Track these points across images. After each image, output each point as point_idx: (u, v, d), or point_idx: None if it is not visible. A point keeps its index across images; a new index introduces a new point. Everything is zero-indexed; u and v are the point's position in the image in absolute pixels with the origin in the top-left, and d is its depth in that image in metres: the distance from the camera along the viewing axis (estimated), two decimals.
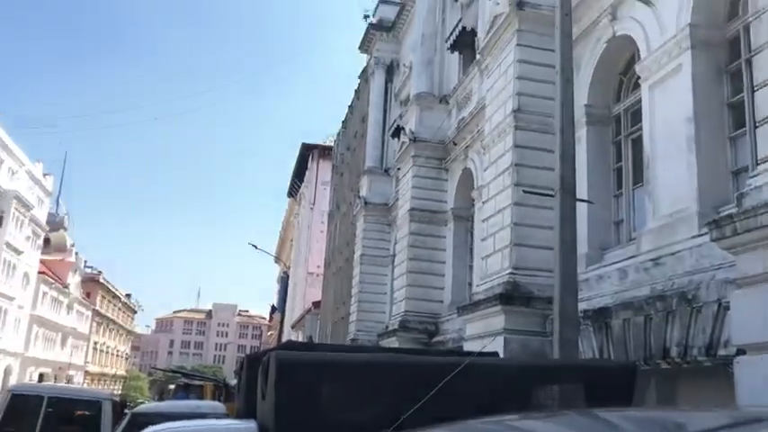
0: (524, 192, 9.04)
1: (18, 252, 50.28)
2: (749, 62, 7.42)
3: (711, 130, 8.29)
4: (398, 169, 20.16)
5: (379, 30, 25.56)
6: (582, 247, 10.38)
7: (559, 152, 6.70)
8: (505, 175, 11.54)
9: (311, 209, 47.26)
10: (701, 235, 7.15)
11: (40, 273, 56.51)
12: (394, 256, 20.39)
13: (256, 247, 40.52)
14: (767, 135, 5.91)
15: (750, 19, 6.30)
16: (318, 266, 42.66)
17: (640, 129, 9.64)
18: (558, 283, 6.42)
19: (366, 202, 23.57)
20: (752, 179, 5.97)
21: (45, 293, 58.80)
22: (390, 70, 25.56)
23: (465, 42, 17.19)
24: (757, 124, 6.07)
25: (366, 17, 25.98)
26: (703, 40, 8.47)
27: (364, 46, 26.73)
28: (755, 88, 6.14)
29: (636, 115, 10.08)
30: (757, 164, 6.03)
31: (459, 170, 17.10)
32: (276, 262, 66.21)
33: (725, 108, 8.37)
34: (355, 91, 32.47)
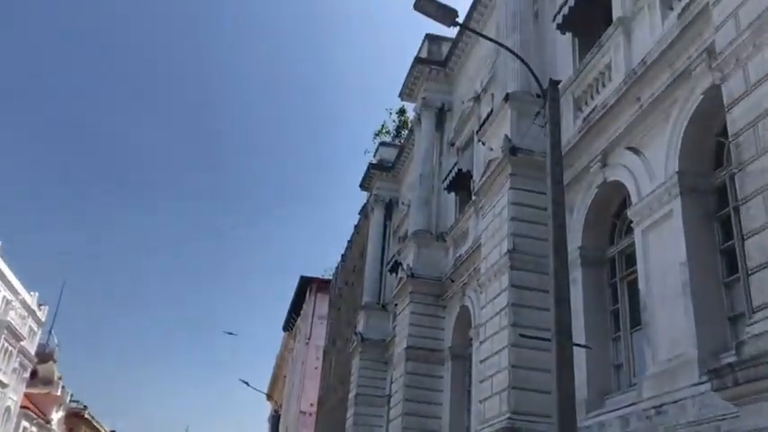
0: (521, 336, 8.91)
1: (3, 386, 48.75)
2: (737, 210, 7.61)
3: (705, 275, 8.34)
4: (396, 305, 20.04)
5: (379, 169, 26.45)
6: (582, 392, 10.14)
7: (554, 296, 6.70)
8: (502, 315, 11.45)
9: (306, 343, 46.37)
10: (702, 383, 6.97)
11: (22, 407, 54.42)
12: (390, 396, 19.76)
13: (248, 384, 39.34)
14: (761, 282, 5.93)
15: (734, 170, 6.53)
16: (312, 405, 41.17)
17: (635, 272, 9.69)
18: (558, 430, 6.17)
19: (363, 338, 23.20)
20: (750, 327, 5.91)
21: (26, 429, 56.30)
22: (389, 207, 26.14)
23: (461, 183, 17.72)
24: (750, 272, 6.11)
25: (366, 153, 27.09)
26: (692, 188, 8.73)
27: (365, 184, 27.53)
28: (745, 237, 6.24)
29: (630, 258, 10.17)
30: (753, 311, 5.99)
31: (456, 308, 17.00)
32: (267, 399, 64.07)
33: (717, 253, 8.46)
34: (355, 226, 33.02)
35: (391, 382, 19.67)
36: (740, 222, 6.48)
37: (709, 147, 8.80)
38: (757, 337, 5.67)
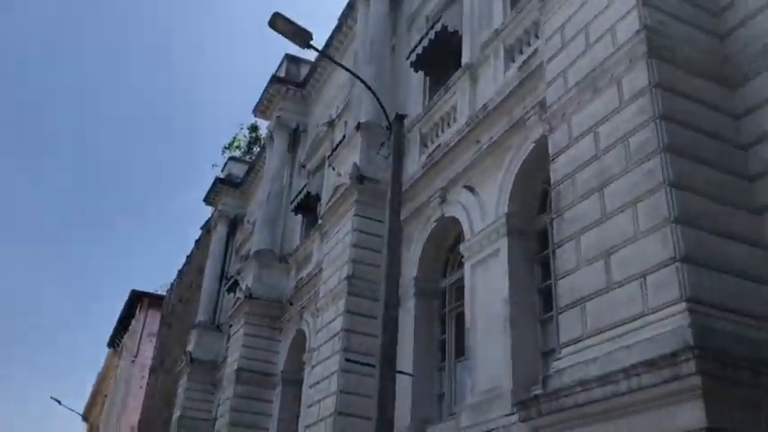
0: (347, 360, 8.96)
1: None
2: (555, 252, 8.21)
3: (524, 312, 8.88)
4: (230, 326, 19.44)
5: (226, 185, 25.75)
6: (405, 420, 10.35)
7: (382, 323, 6.80)
8: (335, 340, 11.48)
9: (132, 361, 43.66)
10: (513, 414, 7.36)
11: None
12: (216, 419, 19.02)
13: (60, 403, 36.18)
14: (569, 321, 6.40)
15: (554, 215, 7.05)
16: (133, 428, 38.67)
17: (463, 304, 10.13)
18: None
19: (192, 358, 22.21)
20: (556, 362, 6.34)
21: None
22: (234, 224, 25.49)
23: (309, 206, 17.69)
24: (560, 311, 6.59)
25: (213, 167, 26.23)
26: (518, 229, 9.33)
27: (210, 198, 26.65)
28: (558, 277, 6.74)
29: (460, 291, 10.61)
30: (561, 347, 6.45)
31: (292, 331, 16.81)
32: (84, 420, 59.29)
33: (536, 292, 9.07)
34: (196, 241, 31.79)
35: (218, 405, 18.97)
36: (555, 264, 6.97)
37: (536, 192, 9.45)
38: (561, 371, 6.09)
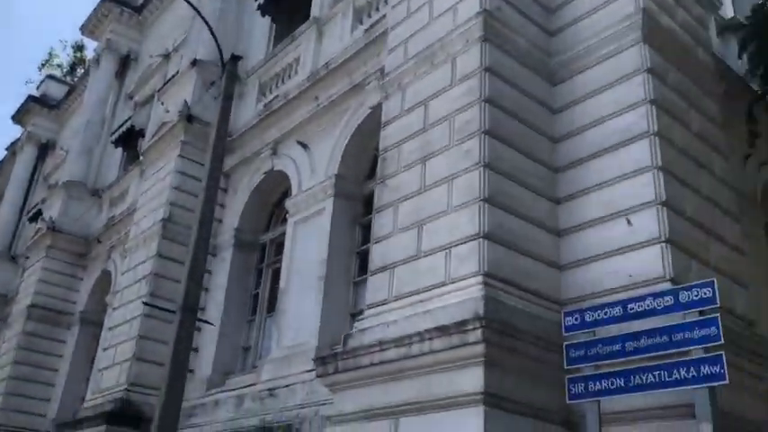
0: (144, 303, 8.57)
1: None
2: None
3: (340, 273, 9.02)
4: (27, 258, 17.80)
5: (40, 104, 23.33)
6: (206, 370, 10.17)
7: (188, 269, 6.55)
8: (143, 283, 10.94)
9: None
10: (312, 370, 7.47)
11: None
12: None
13: None
14: (377, 284, 6.57)
15: (378, 182, 7.17)
16: None
17: (282, 260, 10.07)
18: (161, 404, 6.01)
19: None
20: (358, 322, 6.50)
21: None
22: (44, 149, 23.22)
23: (131, 140, 16.57)
24: (371, 273, 6.75)
25: (28, 83, 23.62)
26: (345, 192, 9.40)
27: (19, 117, 24.02)
28: (373, 242, 6.89)
29: (280, 247, 10.53)
30: (366, 309, 6.62)
31: (98, 271, 15.75)
32: None
33: (354, 255, 9.23)
34: None
35: (3, 343, 17.37)
36: (372, 229, 7.10)
37: (368, 157, 9.56)
38: (363, 331, 6.25)
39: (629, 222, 5.92)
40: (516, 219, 6.13)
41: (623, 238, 5.91)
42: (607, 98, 6.53)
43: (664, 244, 5.65)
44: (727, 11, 10.17)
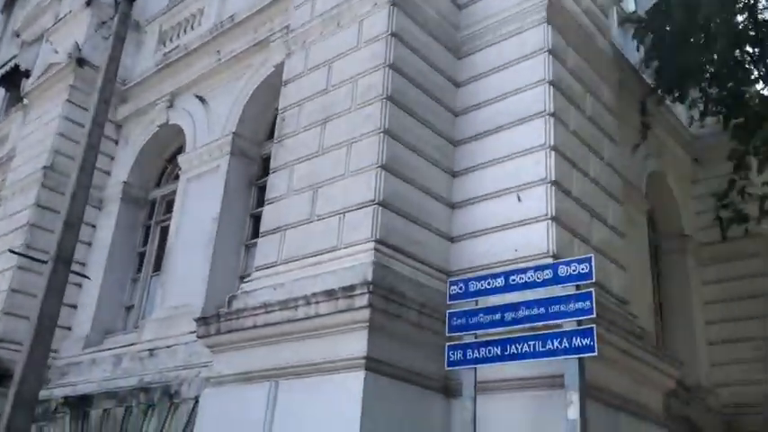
0: (11, 251, 8.01)
1: None
2: None
3: (231, 234, 8.74)
4: None
5: None
6: (85, 328, 9.66)
7: (65, 218, 6.12)
8: (17, 233, 10.20)
9: None
10: (195, 332, 7.22)
11: None
12: None
13: None
14: (267, 246, 6.42)
15: (275, 141, 6.96)
16: None
17: (171, 218, 9.66)
18: (25, 360, 5.61)
19: None
20: (245, 284, 6.33)
21: None
22: None
23: (15, 80, 15.32)
24: (261, 234, 6.57)
25: None
26: (242, 151, 9.09)
27: None
28: (267, 202, 6.70)
29: (170, 204, 10.09)
30: (255, 270, 6.45)
31: None
32: None
33: (248, 216, 8.97)
34: None
35: None
36: (266, 190, 6.90)
37: (268, 117, 9.27)
38: (248, 293, 6.09)
39: (519, 199, 6.05)
40: (412, 188, 6.13)
41: (512, 214, 6.04)
42: (508, 75, 6.61)
43: (549, 221, 5.81)
44: (630, 5, 10.58)
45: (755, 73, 9.24)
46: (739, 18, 9.02)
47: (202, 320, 6.19)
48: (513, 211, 6.04)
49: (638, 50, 9.24)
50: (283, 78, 7.19)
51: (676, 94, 9.08)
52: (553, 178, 5.95)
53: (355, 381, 5.00)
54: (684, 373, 9.92)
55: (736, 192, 9.10)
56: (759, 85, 9.60)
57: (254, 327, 5.74)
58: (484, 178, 6.38)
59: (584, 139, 6.68)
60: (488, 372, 5.10)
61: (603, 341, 5.36)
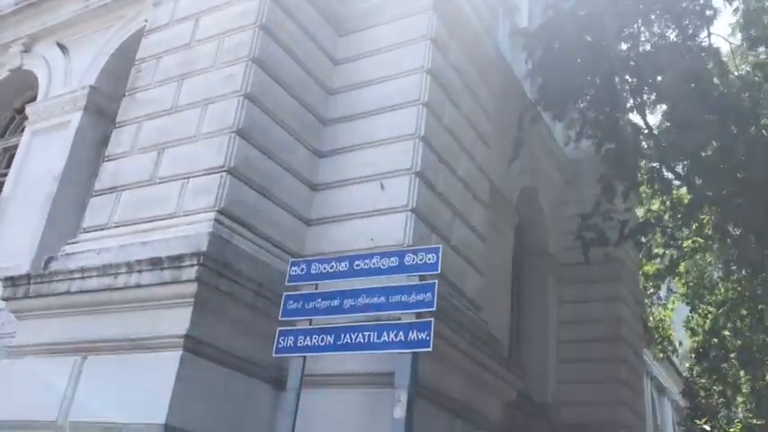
0: None
1: None
2: None
3: (75, 194, 7.87)
4: None
5: None
6: None
7: None
8: None
9: None
10: None
11: None
12: None
13: None
14: (99, 207, 5.74)
15: (126, 93, 6.29)
16: None
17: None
18: None
19: None
20: (68, 246, 5.61)
21: None
22: None
23: None
24: (95, 194, 5.87)
25: None
26: (98, 107, 8.24)
27: None
28: (106, 159, 6.00)
29: (13, 156, 9.03)
30: (82, 232, 5.74)
31: None
32: None
33: (94, 177, 8.09)
34: None
35: None
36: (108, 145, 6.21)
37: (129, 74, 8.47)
38: (69, 256, 5.40)
39: (382, 187, 5.73)
40: (270, 161, 5.66)
41: (374, 202, 5.71)
42: (388, 59, 6.31)
43: (409, 213, 5.53)
44: (523, 20, 10.66)
45: (631, 101, 9.54)
46: (623, 46, 9.27)
47: (10, 281, 5.39)
48: (375, 199, 5.71)
49: (526, 64, 9.24)
50: (146, 28, 6.53)
51: (556, 112, 9.15)
52: (419, 169, 5.67)
53: (171, 362, 4.45)
54: (533, 389, 10.09)
55: (600, 215, 9.29)
56: (633, 114, 9.91)
57: (68, 293, 5.05)
58: (349, 162, 6.02)
59: (457, 137, 6.47)
60: (322, 363, 4.71)
61: (447, 341, 5.13)
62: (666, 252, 12.96)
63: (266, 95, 5.66)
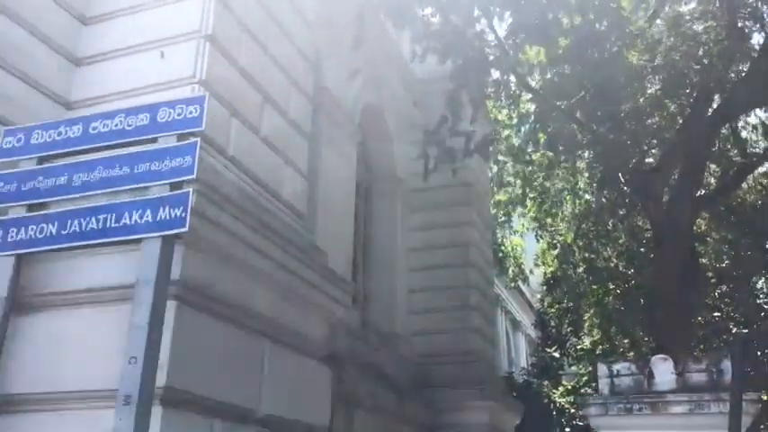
0: None
1: None
2: None
3: None
4: None
5: None
6: None
7: None
8: None
9: None
10: None
11: None
12: None
13: None
14: None
15: None
16: None
17: None
18: None
19: None
20: None
21: None
22: None
23: None
24: None
25: None
26: None
27: None
28: None
29: None
30: None
31: None
32: None
33: None
34: None
35: None
36: None
37: None
38: None
39: (162, 55, 4.48)
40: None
41: (151, 73, 4.45)
42: None
43: (197, 86, 4.33)
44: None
45: (477, 10, 8.78)
46: None
47: None
48: (154, 69, 4.45)
49: None
50: None
51: (396, 18, 8.23)
52: (209, 32, 4.47)
53: None
54: (381, 319, 9.34)
55: (447, 131, 8.58)
56: (479, 25, 9.17)
57: None
58: (118, 29, 4.70)
59: (267, 5, 5.29)
60: (50, 278, 3.44)
61: (251, 246, 4.05)
62: (517, 180, 12.65)
63: None
